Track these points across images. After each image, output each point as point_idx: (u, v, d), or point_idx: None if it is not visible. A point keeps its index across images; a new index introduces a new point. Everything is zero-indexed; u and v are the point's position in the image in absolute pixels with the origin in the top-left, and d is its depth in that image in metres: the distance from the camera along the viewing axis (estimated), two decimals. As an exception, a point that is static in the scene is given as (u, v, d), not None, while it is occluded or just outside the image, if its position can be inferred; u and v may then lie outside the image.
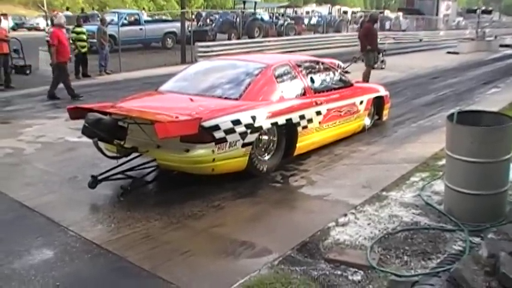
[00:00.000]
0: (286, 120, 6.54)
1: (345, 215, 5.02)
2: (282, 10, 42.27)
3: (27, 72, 16.81)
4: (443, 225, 4.70)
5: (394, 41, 26.75)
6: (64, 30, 13.16)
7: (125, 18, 24.78)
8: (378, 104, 9.05)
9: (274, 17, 36.79)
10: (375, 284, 3.75)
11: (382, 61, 18.91)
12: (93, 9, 48.03)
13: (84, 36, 16.50)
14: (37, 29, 40.56)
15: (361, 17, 40.38)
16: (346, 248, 4.33)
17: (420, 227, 4.71)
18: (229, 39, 27.94)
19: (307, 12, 51.38)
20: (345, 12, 53.36)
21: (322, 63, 8.27)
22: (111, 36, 19.23)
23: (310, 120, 6.95)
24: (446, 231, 4.58)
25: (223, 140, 5.68)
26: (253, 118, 6.04)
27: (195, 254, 4.35)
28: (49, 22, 17.88)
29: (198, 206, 5.36)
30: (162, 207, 5.32)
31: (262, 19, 33.37)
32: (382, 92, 9.23)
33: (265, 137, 6.48)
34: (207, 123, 5.54)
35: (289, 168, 6.68)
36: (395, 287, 3.64)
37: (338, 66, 9.48)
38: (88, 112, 5.74)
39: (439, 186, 5.60)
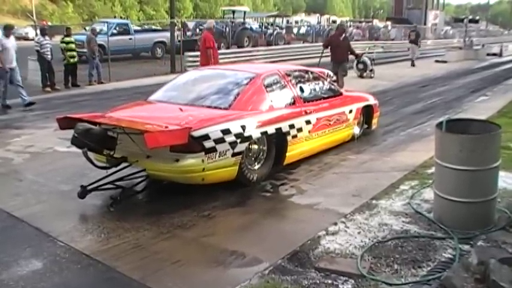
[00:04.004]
0: (276, 129, 6.55)
1: (335, 223, 5.02)
2: (271, 20, 42.45)
3: (16, 82, 16.72)
4: (433, 233, 4.72)
5: (383, 50, 26.88)
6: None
7: (115, 28, 24.77)
8: (367, 112, 9.08)
9: (263, 27, 36.96)
10: (366, 293, 3.76)
11: (371, 70, 19.05)
12: (91, 19, 48.11)
13: (73, 46, 16.51)
14: (26, 38, 40.34)
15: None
16: (336, 256, 4.33)
17: (410, 235, 4.72)
18: (218, 48, 27.94)
19: (296, 22, 51.62)
20: (334, 22, 53.67)
21: (312, 73, 8.30)
22: (100, 45, 19.22)
23: (299, 130, 6.96)
24: (436, 239, 4.60)
25: (213, 150, 5.67)
26: (243, 127, 6.04)
27: (186, 263, 4.33)
28: (38, 32, 17.78)
29: (188, 216, 5.34)
30: (152, 217, 5.29)
31: (251, 28, 33.53)
32: (372, 100, 9.27)
33: (255, 147, 6.49)
34: (196, 133, 5.53)
35: (279, 178, 6.68)
36: (385, 295, 3.65)
37: (327, 76, 9.51)
38: (77, 122, 5.73)
39: (429, 194, 5.62)
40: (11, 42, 12.69)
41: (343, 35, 13.80)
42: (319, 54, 14.31)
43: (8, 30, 13.11)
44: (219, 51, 25.39)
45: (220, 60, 20.68)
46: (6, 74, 12.44)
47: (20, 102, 12.59)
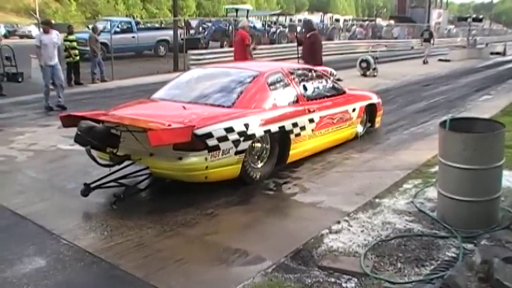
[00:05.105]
0: (279, 127, 6.55)
1: (338, 222, 5.01)
2: (274, 18, 42.44)
3: (19, 79, 16.76)
4: (437, 232, 4.71)
5: (386, 49, 26.83)
6: None
7: (118, 26, 24.78)
8: (371, 111, 9.07)
9: (266, 25, 36.94)
10: (369, 291, 3.76)
11: (375, 69, 19.04)
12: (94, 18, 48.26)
13: (76, 44, 16.52)
14: (29, 36, 40.43)
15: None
16: (339, 255, 4.33)
17: (413, 234, 4.72)
18: (221, 47, 27.99)
19: (299, 20, 51.57)
20: (337, 20, 53.70)
21: (315, 71, 8.29)
22: (103, 44, 19.23)
23: (303, 128, 6.96)
24: (440, 238, 4.59)
25: (216, 148, 5.67)
26: (246, 126, 6.04)
27: (189, 262, 4.33)
28: (41, 30, 17.78)
29: (191, 214, 5.34)
30: (155, 215, 5.30)
31: (254, 27, 33.48)
32: (375, 99, 9.26)
33: (258, 145, 6.48)
34: (200, 131, 5.53)
35: (282, 176, 6.67)
36: (389, 294, 3.64)
37: (330, 74, 9.50)
38: (81, 120, 5.73)
39: (432, 193, 5.61)
40: (49, 39, 11.80)
41: (310, 33, 11.98)
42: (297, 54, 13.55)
43: (45, 25, 12.24)
44: (223, 50, 25.54)
45: (223, 59, 20.78)
46: (48, 72, 11.89)
47: (22, 100, 12.45)
